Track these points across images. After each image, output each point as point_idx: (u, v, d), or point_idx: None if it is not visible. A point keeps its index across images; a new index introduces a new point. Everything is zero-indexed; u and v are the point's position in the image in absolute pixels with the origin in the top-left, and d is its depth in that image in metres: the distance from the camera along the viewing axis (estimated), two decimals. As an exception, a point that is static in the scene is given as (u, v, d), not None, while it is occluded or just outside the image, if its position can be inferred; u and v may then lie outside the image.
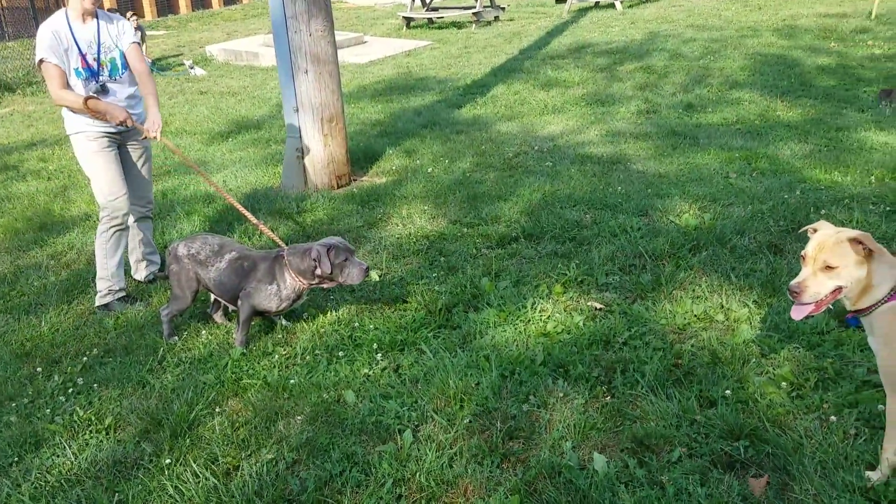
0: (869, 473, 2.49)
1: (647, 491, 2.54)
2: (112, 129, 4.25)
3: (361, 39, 15.01)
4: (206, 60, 15.40)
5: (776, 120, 7.35)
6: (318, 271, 3.72)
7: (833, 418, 2.79)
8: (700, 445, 2.74)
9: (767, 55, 10.20)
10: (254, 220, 4.33)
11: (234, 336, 3.87)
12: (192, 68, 14.01)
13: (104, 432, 3.20)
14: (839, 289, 2.37)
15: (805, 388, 3.01)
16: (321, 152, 6.23)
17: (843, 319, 2.45)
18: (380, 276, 4.48)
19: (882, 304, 2.34)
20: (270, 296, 3.77)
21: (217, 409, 3.29)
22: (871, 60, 9.59)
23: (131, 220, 4.56)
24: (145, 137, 4.33)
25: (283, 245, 4.03)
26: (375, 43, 14.93)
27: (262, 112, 9.89)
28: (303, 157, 6.27)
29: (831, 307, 3.53)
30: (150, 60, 13.97)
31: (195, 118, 9.87)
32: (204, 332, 4.02)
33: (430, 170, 6.70)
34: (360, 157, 7.14)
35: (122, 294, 4.48)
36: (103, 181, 4.28)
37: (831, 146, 6.29)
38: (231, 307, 3.99)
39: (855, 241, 2.31)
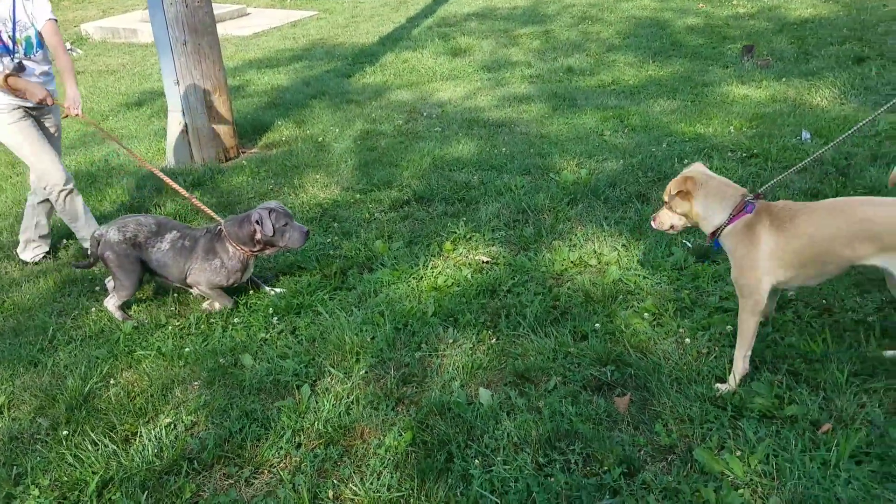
0: (718, 385, 2.83)
1: (525, 416, 2.78)
2: (27, 103, 4.23)
3: (244, 11, 14.60)
4: (82, 40, 14.57)
5: (648, 79, 7.79)
6: (259, 236, 3.74)
7: (688, 341, 3.13)
8: (573, 373, 3.02)
9: (641, 18, 10.70)
10: (185, 192, 4.29)
11: (209, 306, 3.87)
12: (70, 50, 13.24)
13: (-2, 412, 3.17)
14: (675, 226, 2.96)
15: (665, 316, 3.34)
16: (206, 126, 6.14)
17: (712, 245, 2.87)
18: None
19: (724, 227, 2.77)
20: (217, 271, 3.78)
21: (112, 382, 3.30)
22: (736, 19, 10.21)
23: (37, 198, 4.54)
24: (66, 115, 4.27)
25: (217, 217, 4.01)
26: (259, 14, 14.56)
27: (143, 88, 9.54)
28: (187, 132, 6.16)
29: (688, 244, 3.90)
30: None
31: (71, 97, 9.40)
32: (94, 309, 3.98)
33: (320, 139, 6.73)
34: (249, 129, 7.08)
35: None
36: (30, 153, 4.32)
37: (697, 101, 6.76)
38: (176, 285, 3.95)
39: (681, 181, 2.83)
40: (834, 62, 7.31)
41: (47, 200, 4.59)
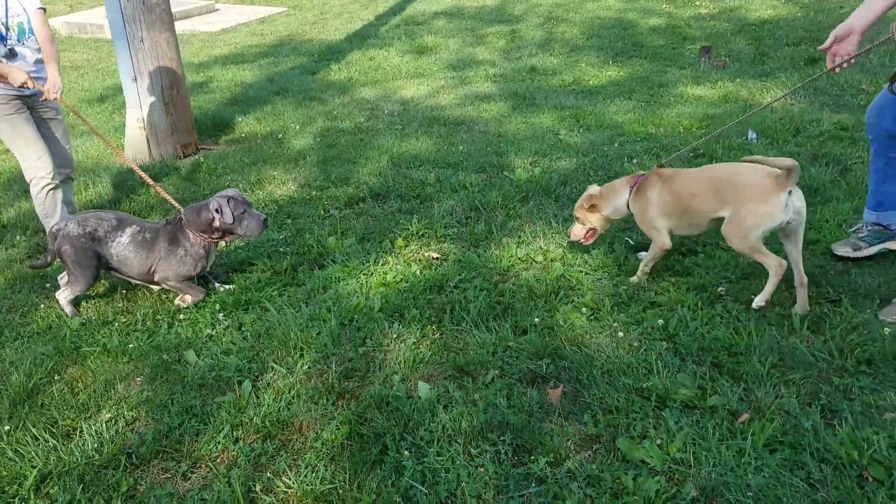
0: (631, 279, 3.65)
1: (461, 408, 2.85)
2: (23, 92, 4.31)
3: (213, 7, 14.52)
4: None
5: (608, 79, 7.90)
6: (217, 223, 3.77)
7: (621, 334, 3.22)
8: (511, 367, 3.09)
9: (605, 18, 10.83)
10: (150, 181, 4.31)
11: (181, 301, 3.88)
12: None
13: (-62, 408, 3.17)
14: (593, 230, 3.78)
15: (602, 311, 3.43)
16: (164, 122, 6.14)
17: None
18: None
19: (627, 206, 3.62)
20: (182, 260, 3.80)
21: (56, 377, 3.31)
22: (697, 20, 10.37)
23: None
24: (45, 98, 4.31)
25: (179, 207, 4.03)
26: (228, 10, 14.49)
27: (105, 84, 9.46)
28: (145, 128, 6.15)
29: (630, 241, 4.00)
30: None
31: (32, 92, 9.31)
32: (42, 305, 3.98)
33: (280, 136, 6.75)
34: (209, 125, 7.07)
35: None
36: (21, 144, 4.39)
37: (652, 101, 6.88)
38: (136, 282, 3.96)
39: (584, 201, 3.69)
40: (788, 63, 7.48)
41: (67, 179, 4.73)
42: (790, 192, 3.07)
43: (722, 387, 2.80)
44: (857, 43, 2.92)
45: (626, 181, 3.64)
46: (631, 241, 4.07)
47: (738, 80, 7.17)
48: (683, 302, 3.39)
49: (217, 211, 3.75)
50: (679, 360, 2.98)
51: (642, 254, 3.85)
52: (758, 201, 3.09)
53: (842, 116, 5.62)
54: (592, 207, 3.69)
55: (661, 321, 3.24)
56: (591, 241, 3.83)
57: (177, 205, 4.10)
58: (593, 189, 3.73)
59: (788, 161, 3.02)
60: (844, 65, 2.96)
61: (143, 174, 4.35)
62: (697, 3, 11.38)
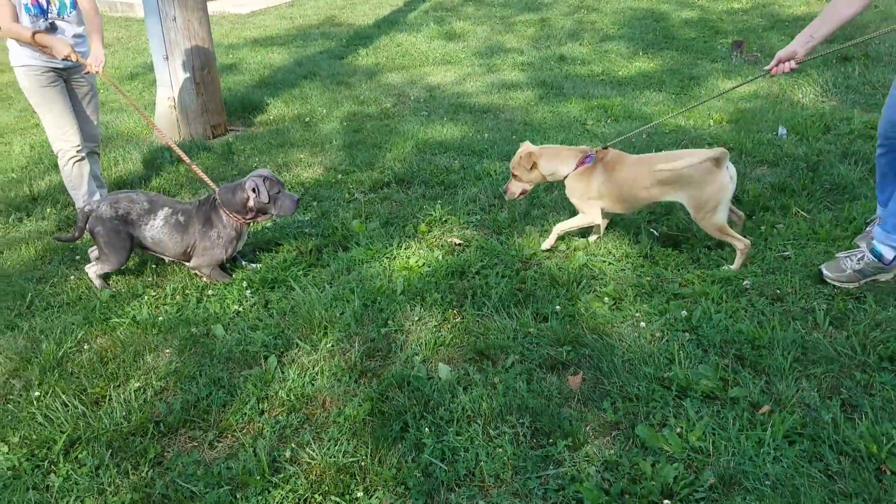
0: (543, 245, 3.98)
1: (481, 390, 2.89)
2: (58, 65, 4.39)
3: (244, -11, 14.58)
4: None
5: (637, 71, 7.85)
6: (252, 203, 3.82)
7: (643, 324, 3.23)
8: (531, 352, 3.12)
9: (637, 9, 10.75)
10: (186, 159, 4.34)
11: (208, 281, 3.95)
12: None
13: (-28, 373, 3.27)
14: (525, 189, 3.97)
15: (624, 301, 3.44)
16: (194, 101, 6.21)
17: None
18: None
19: (567, 177, 3.85)
20: (215, 244, 3.85)
21: (86, 347, 3.40)
22: (730, 14, 10.26)
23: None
24: (87, 72, 4.40)
25: (214, 186, 4.06)
26: (259, -7, 14.55)
27: (135, 62, 9.59)
28: (175, 107, 6.23)
29: (655, 233, 4.00)
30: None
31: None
32: (72, 276, 4.07)
33: (307, 119, 6.80)
34: (238, 107, 7.14)
35: None
36: (50, 116, 4.49)
37: (682, 94, 6.84)
38: (170, 260, 4.03)
39: (521, 158, 3.84)
40: (820, 60, 7.37)
41: (93, 153, 4.82)
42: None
43: (744, 379, 2.81)
44: (799, 63, 3.29)
45: (574, 153, 3.81)
46: (655, 233, 4.06)
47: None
48: (708, 294, 3.39)
49: (253, 190, 3.79)
50: (701, 351, 2.99)
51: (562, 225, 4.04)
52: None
53: (872, 116, 5.55)
54: (534, 166, 3.84)
55: (684, 312, 3.25)
56: (523, 196, 4.04)
57: (212, 184, 4.13)
58: (532, 147, 3.90)
59: (718, 150, 3.42)
60: (786, 71, 3.31)
61: (181, 153, 4.38)
62: (730, -4, 11.25)
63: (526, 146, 3.94)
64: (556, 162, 3.85)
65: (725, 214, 3.55)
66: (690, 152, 3.54)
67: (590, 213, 3.84)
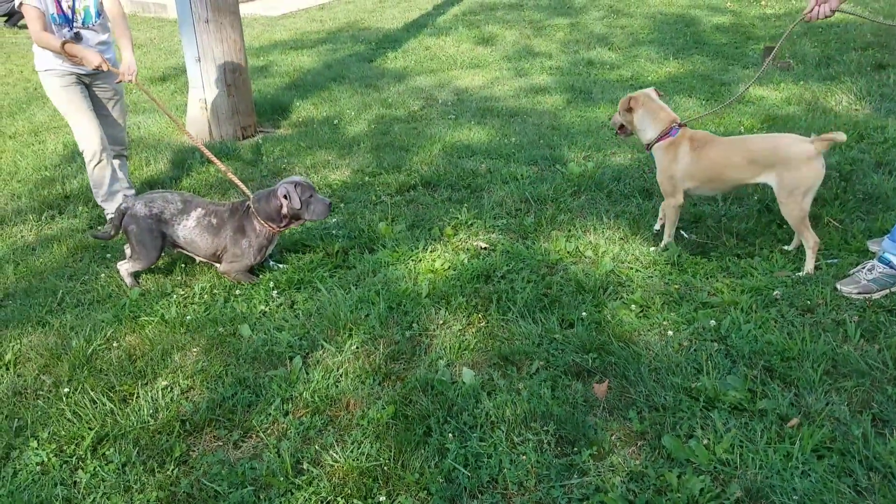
0: (655, 249, 3.92)
1: (505, 396, 2.88)
2: (80, 70, 4.44)
3: (275, -8, 14.72)
4: (112, 11, 14.84)
5: (667, 76, 7.78)
6: (285, 210, 3.85)
7: (671, 333, 3.20)
8: (556, 359, 3.10)
9: (668, 14, 10.65)
10: (222, 166, 4.36)
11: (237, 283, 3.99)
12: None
13: (5, 367, 3.33)
14: (622, 127, 4.05)
15: (652, 309, 3.41)
16: (225, 103, 6.28)
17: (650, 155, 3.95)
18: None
19: (654, 143, 3.81)
20: (245, 252, 3.89)
21: (115, 344, 3.45)
22: (762, 20, 10.13)
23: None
24: (120, 81, 4.44)
25: (249, 193, 4.08)
26: (289, -4, 14.68)
27: (168, 64, 9.72)
28: (206, 108, 6.30)
29: (685, 234, 3.97)
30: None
31: (99, 70, 9.61)
32: (103, 274, 4.13)
33: (336, 122, 6.84)
34: (267, 108, 7.20)
35: None
36: (75, 121, 4.55)
37: (712, 99, 6.76)
38: (201, 260, 4.07)
39: (626, 99, 3.90)
40: (854, 68, 7.25)
41: (120, 156, 4.88)
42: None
43: (772, 391, 2.77)
44: (833, 10, 3.30)
45: (667, 119, 3.79)
46: (685, 235, 4.03)
47: (801, 82, 6.99)
48: (737, 304, 3.34)
49: (285, 197, 3.82)
50: (730, 362, 2.95)
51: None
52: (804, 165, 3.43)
53: (909, 124, 5.44)
54: (630, 110, 3.86)
55: (712, 322, 3.20)
56: (624, 134, 4.11)
57: (247, 191, 4.15)
58: (645, 92, 3.92)
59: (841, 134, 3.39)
60: (824, 16, 3.34)
61: (214, 159, 4.36)
62: (763, 2, 11.10)
63: (650, 91, 3.94)
64: (650, 119, 3.83)
65: (810, 202, 3.52)
66: (781, 136, 3.60)
67: (672, 196, 3.82)
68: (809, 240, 3.56)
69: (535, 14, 11.26)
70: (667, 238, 3.94)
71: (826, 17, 3.29)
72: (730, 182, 3.69)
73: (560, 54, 9.04)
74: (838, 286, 3.41)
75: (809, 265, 3.58)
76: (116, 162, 4.82)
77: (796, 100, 6.48)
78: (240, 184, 4.25)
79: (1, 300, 3.97)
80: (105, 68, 4.29)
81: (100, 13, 4.45)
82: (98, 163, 4.63)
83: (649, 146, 3.87)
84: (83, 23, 4.38)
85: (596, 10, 11.23)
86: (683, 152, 3.71)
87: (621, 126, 4.05)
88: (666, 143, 3.76)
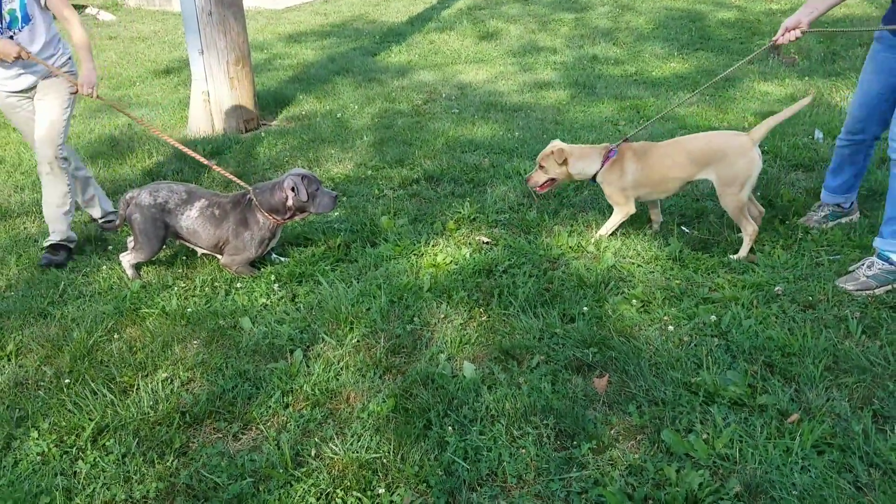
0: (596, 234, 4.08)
1: (505, 390, 2.88)
2: (16, 88, 4.06)
3: (279, -15, 14.70)
4: (117, 5, 14.85)
5: (671, 71, 7.76)
6: (291, 203, 3.83)
7: (671, 328, 3.19)
8: (557, 353, 3.10)
9: (674, 9, 10.61)
10: (204, 160, 4.29)
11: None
12: (97, 14, 13.50)
13: (6, 358, 3.33)
14: (552, 180, 4.07)
15: (653, 304, 3.40)
16: (228, 96, 6.28)
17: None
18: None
19: (599, 171, 3.97)
20: (247, 245, 3.88)
21: (116, 336, 3.45)
22: (768, 15, 10.09)
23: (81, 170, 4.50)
24: (75, 92, 4.06)
25: (246, 186, 4.05)
26: (293, -11, 14.66)
27: (172, 56, 9.72)
28: (209, 101, 6.30)
29: (686, 229, 3.95)
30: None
31: (103, 63, 9.61)
32: (104, 266, 4.14)
33: (339, 115, 6.83)
34: (270, 101, 7.20)
35: (51, 243, 4.29)
36: (23, 134, 4.30)
37: (717, 95, 6.73)
38: (203, 252, 4.06)
39: (552, 153, 3.96)
40: (859, 63, 7.20)
41: (81, 176, 4.51)
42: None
43: (773, 386, 2.76)
44: (803, 33, 3.45)
45: (598, 151, 3.97)
46: (686, 230, 4.02)
47: (807, 78, 6.96)
48: (738, 299, 3.33)
49: (293, 189, 3.81)
50: (730, 357, 2.94)
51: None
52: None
53: (915, 119, 5.41)
54: (564, 161, 3.98)
55: (713, 317, 3.20)
56: (544, 191, 4.23)
57: (242, 183, 4.14)
58: (562, 144, 4.04)
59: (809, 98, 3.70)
60: (792, 40, 3.48)
61: (195, 154, 4.28)
62: (769, -3, 11.06)
63: (560, 144, 4.05)
64: (585, 161, 3.98)
65: (748, 193, 3.69)
66: (715, 133, 3.86)
67: (625, 206, 3.98)
68: (748, 228, 3.73)
69: (540, 9, 11.24)
70: (603, 232, 4.09)
71: (797, 39, 3.47)
72: (677, 181, 3.83)
73: (564, 49, 9.02)
74: (838, 283, 3.40)
75: (743, 251, 3.76)
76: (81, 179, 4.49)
77: (801, 95, 6.45)
78: (230, 175, 4.25)
79: (2, 291, 3.97)
80: (25, 57, 3.81)
81: (28, 17, 3.88)
82: (42, 173, 4.18)
83: (594, 177, 4.01)
84: (9, 26, 3.84)
85: (601, 5, 11.19)
86: (629, 164, 3.88)
87: (545, 182, 4.08)
88: (609, 164, 3.92)
